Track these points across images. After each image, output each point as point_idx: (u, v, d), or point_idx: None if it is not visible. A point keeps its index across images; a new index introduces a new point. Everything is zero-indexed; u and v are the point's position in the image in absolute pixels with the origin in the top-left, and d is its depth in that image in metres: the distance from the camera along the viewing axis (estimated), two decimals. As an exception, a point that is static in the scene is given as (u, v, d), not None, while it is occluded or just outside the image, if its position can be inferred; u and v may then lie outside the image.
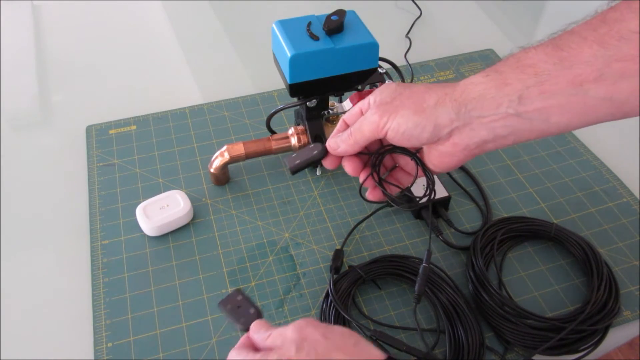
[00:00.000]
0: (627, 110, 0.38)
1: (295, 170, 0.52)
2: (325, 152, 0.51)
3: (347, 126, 0.50)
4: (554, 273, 0.64)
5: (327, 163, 0.52)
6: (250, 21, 1.05)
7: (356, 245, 0.67)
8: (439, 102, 0.44)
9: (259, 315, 0.47)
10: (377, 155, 0.50)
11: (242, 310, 0.48)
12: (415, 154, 0.50)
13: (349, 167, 0.51)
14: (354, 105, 0.69)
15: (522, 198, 0.72)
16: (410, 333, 0.59)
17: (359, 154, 0.51)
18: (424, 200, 0.51)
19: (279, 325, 0.58)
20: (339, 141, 0.49)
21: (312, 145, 0.52)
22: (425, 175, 0.50)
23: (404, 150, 0.50)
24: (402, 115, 0.44)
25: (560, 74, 0.39)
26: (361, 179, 0.51)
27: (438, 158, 0.47)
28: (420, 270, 0.57)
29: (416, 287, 0.57)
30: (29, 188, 0.73)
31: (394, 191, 0.52)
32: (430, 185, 0.50)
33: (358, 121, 0.48)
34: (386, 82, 0.50)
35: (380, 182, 0.50)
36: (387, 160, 0.53)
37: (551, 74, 0.39)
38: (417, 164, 0.50)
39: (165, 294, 0.61)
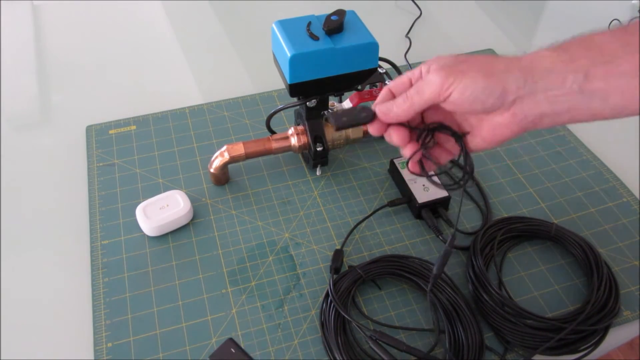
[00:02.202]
0: None
1: (340, 127, 0.49)
2: (373, 117, 0.49)
3: (392, 95, 0.48)
4: (554, 273, 0.64)
5: (373, 129, 0.49)
6: (250, 21, 1.05)
7: (356, 245, 0.67)
8: (507, 69, 0.43)
9: None
10: (428, 131, 0.49)
11: None
12: (462, 136, 0.48)
13: (396, 136, 0.48)
14: (354, 105, 0.69)
15: (522, 198, 0.72)
16: (410, 333, 0.59)
17: (404, 125, 0.49)
18: (458, 184, 0.49)
19: (281, 324, 0.59)
20: (390, 105, 0.47)
21: (359, 108, 0.49)
22: (466, 160, 0.49)
23: (451, 131, 0.49)
24: (471, 77, 0.43)
25: (626, 57, 0.40)
26: (406, 153, 0.49)
27: (491, 131, 0.46)
28: (442, 252, 0.54)
29: (435, 268, 0.54)
30: (29, 188, 0.73)
31: (432, 168, 0.50)
32: (469, 172, 0.49)
33: (415, 85, 0.46)
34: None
35: (422, 163, 0.49)
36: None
37: (617, 55, 0.40)
38: (461, 147, 0.49)
39: (165, 294, 0.61)
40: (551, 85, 0.42)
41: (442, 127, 0.49)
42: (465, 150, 0.49)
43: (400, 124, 0.49)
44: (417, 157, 0.49)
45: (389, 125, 0.49)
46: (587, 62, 0.41)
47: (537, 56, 0.43)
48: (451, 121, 0.50)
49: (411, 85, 0.47)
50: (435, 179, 0.50)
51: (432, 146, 0.50)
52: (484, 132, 0.47)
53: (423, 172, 0.50)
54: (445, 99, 0.44)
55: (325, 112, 0.69)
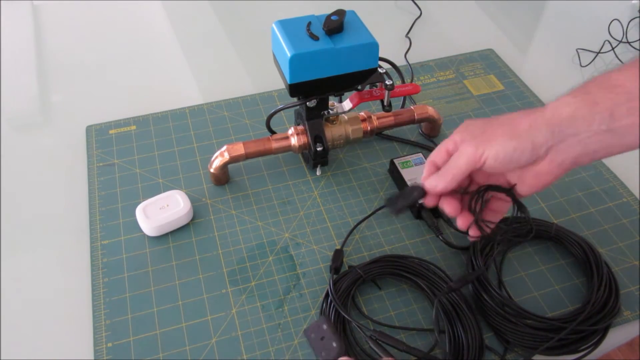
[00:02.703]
0: None
1: (397, 213, 0.54)
2: (424, 192, 0.53)
3: (436, 167, 0.53)
4: (554, 273, 0.64)
5: (428, 202, 0.54)
6: (250, 21, 1.05)
7: (356, 245, 0.67)
8: (532, 125, 0.45)
9: (341, 352, 0.47)
10: (477, 196, 0.52)
11: (325, 343, 0.48)
12: (510, 189, 0.52)
13: (448, 207, 0.53)
14: (353, 105, 0.69)
15: (523, 198, 0.72)
16: (410, 333, 0.59)
17: (455, 193, 0.53)
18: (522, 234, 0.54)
19: (281, 324, 0.59)
20: (436, 179, 0.51)
21: (409, 187, 0.54)
22: (520, 210, 0.53)
23: (499, 189, 0.52)
24: (499, 142, 0.46)
25: None
26: (462, 225, 0.53)
27: (534, 179, 0.49)
28: (473, 275, 0.57)
29: (454, 283, 0.57)
30: (29, 188, 0.73)
31: (489, 230, 0.53)
32: (528, 220, 0.54)
33: (452, 158, 0.50)
34: (465, 120, 0.52)
35: (477, 221, 0.52)
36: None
37: (638, 92, 0.41)
38: (513, 201, 0.52)
39: (165, 294, 0.61)
40: (579, 130, 0.44)
41: (489, 188, 0.52)
42: (516, 201, 0.52)
43: (452, 192, 0.52)
44: (473, 226, 0.52)
45: (441, 195, 0.53)
46: (610, 102, 0.42)
47: (560, 104, 0.45)
48: (498, 176, 0.52)
49: (448, 154, 0.51)
50: (497, 238, 0.55)
51: (483, 208, 0.53)
52: (529, 181, 0.50)
53: (484, 233, 0.53)
54: (482, 166, 0.48)
55: (325, 112, 0.69)
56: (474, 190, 0.53)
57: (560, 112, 0.44)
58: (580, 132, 0.44)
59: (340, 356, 0.47)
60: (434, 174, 0.52)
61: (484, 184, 0.54)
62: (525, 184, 0.50)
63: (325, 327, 0.49)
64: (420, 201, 0.54)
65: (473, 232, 0.52)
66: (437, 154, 0.52)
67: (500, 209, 0.54)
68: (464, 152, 0.49)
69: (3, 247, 0.67)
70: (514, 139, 0.46)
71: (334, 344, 0.47)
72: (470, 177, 0.54)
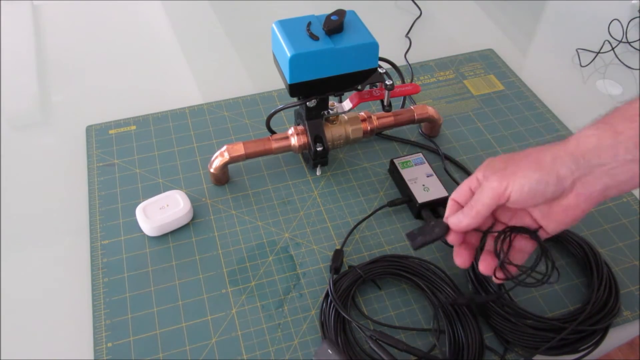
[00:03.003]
0: None
1: (417, 249, 0.54)
2: (447, 229, 0.52)
3: (458, 205, 0.52)
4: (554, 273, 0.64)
5: (451, 239, 0.53)
6: (250, 21, 1.05)
7: (356, 245, 0.67)
8: (555, 157, 0.45)
9: None
10: (502, 237, 0.51)
11: None
12: (535, 232, 0.50)
13: (459, 259, 0.52)
14: (353, 105, 0.69)
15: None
16: (410, 333, 0.58)
17: (478, 231, 0.52)
18: (546, 279, 0.52)
19: (281, 324, 0.59)
20: (460, 216, 0.50)
21: (433, 223, 0.53)
22: (545, 253, 0.52)
23: (523, 230, 0.51)
24: (523, 175, 0.45)
25: None
26: (484, 269, 0.51)
27: (562, 214, 0.48)
28: (484, 300, 0.57)
29: (461, 297, 0.57)
30: (29, 188, 0.73)
31: (514, 271, 0.52)
32: (551, 264, 0.51)
33: (476, 193, 0.49)
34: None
35: (502, 264, 0.51)
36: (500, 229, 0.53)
37: None
38: (538, 243, 0.51)
39: (165, 294, 0.61)
40: (605, 160, 0.43)
41: (514, 230, 0.51)
42: (540, 242, 0.51)
43: (475, 230, 0.52)
44: (497, 269, 0.51)
45: (465, 233, 0.52)
46: (632, 132, 0.42)
47: (582, 136, 0.44)
48: (523, 214, 0.51)
49: (471, 192, 0.51)
50: (523, 281, 0.52)
51: (509, 250, 0.52)
52: (557, 216, 0.48)
53: (509, 276, 0.51)
54: (507, 201, 0.47)
55: (325, 112, 0.69)
56: (499, 232, 0.51)
57: (584, 143, 0.44)
58: (606, 163, 0.43)
59: None
60: (458, 212, 0.51)
61: (508, 223, 0.52)
62: (553, 220, 0.49)
63: (330, 351, 0.49)
64: (443, 238, 0.53)
65: (500, 275, 0.51)
66: (460, 193, 0.52)
67: (525, 248, 0.52)
68: (487, 187, 0.48)
69: (3, 246, 0.67)
70: (537, 172, 0.45)
71: None
72: (493, 216, 0.52)
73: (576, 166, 0.44)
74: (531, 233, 0.51)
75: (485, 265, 0.51)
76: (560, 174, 0.45)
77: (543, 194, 0.46)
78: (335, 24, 0.62)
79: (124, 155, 0.77)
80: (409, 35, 1.00)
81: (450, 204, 0.53)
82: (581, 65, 0.94)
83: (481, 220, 0.50)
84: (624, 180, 0.44)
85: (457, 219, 0.51)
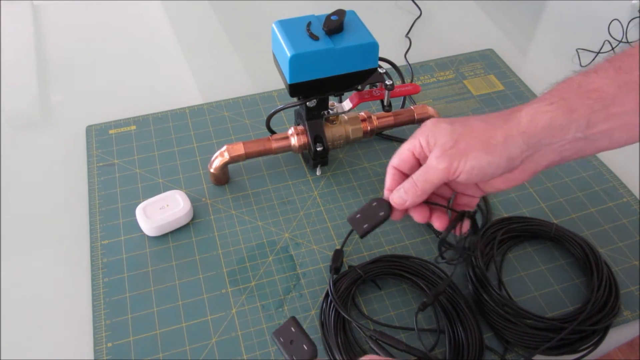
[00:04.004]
0: None
1: (364, 235, 0.52)
2: (391, 210, 0.51)
3: (400, 173, 0.50)
4: (554, 273, 0.64)
5: (395, 217, 0.51)
6: (250, 21, 1.05)
7: (356, 245, 0.67)
8: (507, 137, 0.44)
9: (314, 354, 0.45)
10: (455, 224, 0.50)
11: (296, 346, 0.45)
12: (474, 215, 0.50)
13: (418, 217, 0.51)
14: (353, 105, 0.69)
15: (522, 198, 0.72)
16: (410, 333, 0.58)
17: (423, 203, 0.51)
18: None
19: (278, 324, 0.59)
20: (404, 195, 0.49)
21: (374, 204, 0.51)
22: (475, 233, 0.51)
23: (467, 214, 0.50)
24: (474, 157, 0.44)
25: (625, 96, 0.40)
26: (439, 226, 0.51)
27: (502, 183, 0.48)
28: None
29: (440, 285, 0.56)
30: (29, 188, 0.73)
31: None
32: (473, 246, 0.51)
33: (422, 172, 0.47)
34: (431, 119, 0.49)
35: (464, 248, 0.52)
36: (445, 190, 0.53)
37: (616, 97, 0.41)
38: (472, 225, 0.51)
39: (165, 294, 0.61)
40: (555, 139, 0.43)
41: (464, 215, 0.50)
42: (475, 225, 0.51)
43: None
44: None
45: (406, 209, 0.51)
46: (587, 110, 0.41)
47: (536, 112, 0.43)
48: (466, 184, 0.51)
49: (414, 157, 0.48)
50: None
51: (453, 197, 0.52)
52: (497, 184, 0.49)
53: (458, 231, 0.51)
54: (455, 180, 0.46)
55: (325, 112, 0.69)
56: (452, 221, 0.51)
57: (537, 120, 0.43)
58: (556, 142, 0.43)
59: (314, 358, 0.45)
60: (400, 188, 0.49)
61: (449, 191, 0.52)
62: (491, 187, 0.49)
63: (293, 329, 0.47)
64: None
65: (439, 223, 0.51)
66: (402, 159, 0.49)
67: (469, 203, 0.52)
68: (437, 168, 0.46)
69: (3, 247, 0.67)
70: (489, 154, 0.44)
71: (305, 347, 0.46)
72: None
73: (527, 147, 0.44)
74: (470, 217, 0.51)
75: (441, 224, 0.51)
76: (511, 155, 0.44)
77: (492, 174, 0.45)
78: (335, 24, 0.62)
79: (124, 155, 0.77)
80: (409, 35, 1.00)
81: (391, 172, 0.50)
82: (581, 65, 0.94)
83: (426, 197, 0.49)
84: (568, 155, 0.44)
85: (400, 199, 0.49)
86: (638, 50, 0.41)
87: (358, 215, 0.52)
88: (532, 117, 0.43)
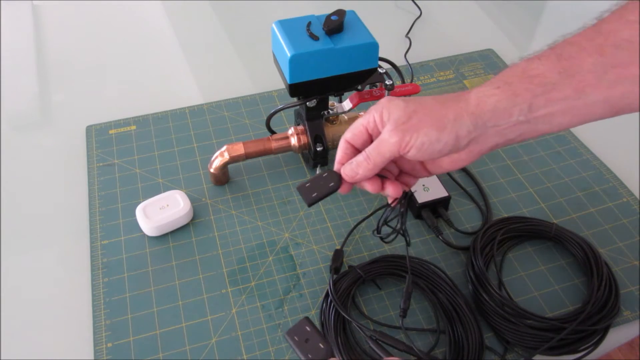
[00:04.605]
0: (619, 109, 0.43)
1: (312, 204, 0.52)
2: (341, 182, 0.51)
3: (352, 147, 0.51)
4: (554, 273, 0.64)
5: (344, 190, 0.52)
6: (250, 21, 1.05)
7: (356, 245, 0.67)
8: (457, 117, 0.46)
9: (329, 353, 0.45)
10: (403, 203, 0.52)
11: (311, 345, 0.45)
12: (412, 194, 0.53)
13: (370, 187, 0.52)
14: (353, 105, 0.69)
15: (522, 198, 0.72)
16: (410, 333, 0.58)
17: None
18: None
19: (282, 323, 0.59)
20: (355, 168, 0.50)
21: (325, 175, 0.52)
22: (402, 219, 0.53)
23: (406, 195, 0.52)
24: (425, 133, 0.46)
25: (565, 82, 0.42)
26: (394, 193, 0.52)
27: (449, 164, 0.50)
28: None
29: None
30: (29, 188, 0.73)
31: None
32: (400, 230, 0.53)
33: (374, 145, 0.48)
34: (385, 96, 0.50)
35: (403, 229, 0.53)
36: (392, 167, 0.54)
37: (557, 83, 0.43)
38: (404, 207, 0.53)
39: (165, 294, 0.61)
40: (500, 121, 0.45)
41: (407, 195, 0.53)
42: (404, 212, 0.53)
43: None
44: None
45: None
46: (529, 94, 0.43)
47: (483, 95, 0.45)
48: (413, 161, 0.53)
49: (367, 133, 0.50)
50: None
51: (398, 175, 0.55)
52: (444, 164, 0.51)
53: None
54: (405, 154, 0.48)
55: (325, 112, 0.69)
56: (397, 199, 0.52)
57: (484, 103, 0.45)
58: (500, 124, 0.45)
59: (329, 357, 0.45)
60: (353, 161, 0.50)
61: (396, 169, 0.54)
62: (438, 167, 0.51)
63: (308, 328, 0.47)
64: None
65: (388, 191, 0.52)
66: (355, 134, 0.50)
67: (408, 183, 0.54)
68: (389, 141, 0.47)
69: (3, 247, 0.67)
70: (439, 131, 0.46)
71: (321, 345, 0.46)
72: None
73: (474, 127, 0.45)
74: (407, 197, 0.53)
75: (395, 191, 0.52)
76: (459, 134, 0.46)
77: (440, 152, 0.47)
78: (335, 24, 0.62)
79: (124, 155, 0.77)
80: (409, 35, 1.00)
81: (343, 146, 0.51)
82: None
83: (377, 171, 0.50)
84: (512, 138, 0.46)
85: (352, 172, 0.50)
86: (578, 39, 0.43)
87: (308, 184, 0.52)
88: (479, 99, 0.45)
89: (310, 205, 0.52)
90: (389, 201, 0.53)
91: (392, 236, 0.54)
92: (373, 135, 0.50)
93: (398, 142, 0.46)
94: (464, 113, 0.45)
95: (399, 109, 0.47)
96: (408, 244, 0.55)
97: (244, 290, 0.62)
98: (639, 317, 0.60)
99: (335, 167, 0.52)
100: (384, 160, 0.48)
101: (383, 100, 0.49)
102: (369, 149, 0.49)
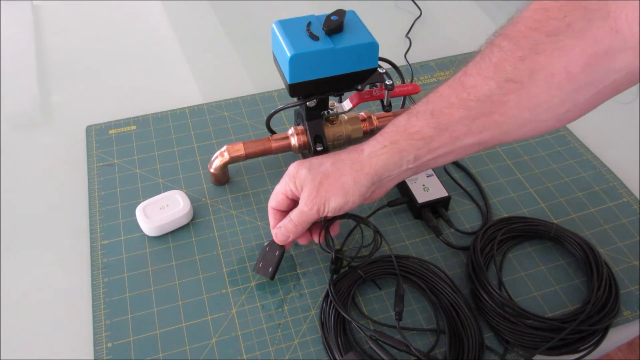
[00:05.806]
0: (489, 146, 0.53)
1: (274, 276, 0.61)
2: (284, 246, 0.61)
3: (279, 212, 0.60)
4: (554, 273, 0.64)
5: (288, 246, 0.62)
6: (250, 21, 1.05)
7: (356, 245, 0.67)
8: (355, 180, 0.55)
9: None
10: (325, 223, 0.61)
11: None
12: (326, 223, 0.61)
13: (302, 241, 0.62)
14: (353, 105, 0.69)
15: (522, 198, 0.72)
16: (410, 333, 0.58)
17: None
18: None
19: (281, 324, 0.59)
20: (286, 233, 0.59)
21: (267, 248, 0.61)
22: (327, 248, 0.61)
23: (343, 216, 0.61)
24: (334, 200, 0.55)
25: (441, 134, 0.51)
26: (318, 240, 0.62)
27: (363, 203, 0.59)
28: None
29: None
30: (29, 188, 0.73)
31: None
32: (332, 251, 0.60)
33: (297, 214, 0.57)
34: (291, 165, 0.59)
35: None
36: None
37: (434, 136, 0.52)
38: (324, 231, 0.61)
39: (165, 294, 0.61)
40: (392, 172, 0.54)
41: (328, 221, 0.61)
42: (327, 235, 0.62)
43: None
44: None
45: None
46: (413, 149, 0.53)
47: (374, 156, 0.54)
48: None
49: (288, 198, 0.59)
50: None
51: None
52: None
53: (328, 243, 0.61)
54: (324, 215, 0.58)
55: (325, 112, 0.69)
56: (324, 230, 0.61)
57: (376, 163, 0.54)
58: (392, 176, 0.55)
59: None
60: (281, 226, 0.59)
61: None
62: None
63: None
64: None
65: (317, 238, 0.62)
66: (278, 201, 0.60)
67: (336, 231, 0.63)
68: (309, 212, 0.56)
69: (3, 247, 0.67)
70: (345, 196, 0.55)
71: None
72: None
73: (371, 183, 0.55)
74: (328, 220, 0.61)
75: (306, 239, 0.63)
76: (362, 192, 0.55)
77: (351, 208, 0.57)
78: (335, 24, 0.62)
79: (124, 155, 0.77)
80: (409, 35, 1.00)
81: (272, 213, 0.61)
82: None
83: (304, 232, 0.60)
84: (406, 177, 0.56)
85: (283, 236, 0.59)
86: (446, 92, 0.51)
87: (260, 264, 0.61)
88: (370, 159, 0.54)
89: (272, 278, 0.61)
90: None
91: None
92: (294, 198, 0.58)
93: (316, 211, 0.56)
94: (360, 176, 0.54)
95: (307, 182, 0.56)
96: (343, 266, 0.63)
97: (244, 290, 0.62)
98: (639, 317, 0.60)
99: (272, 231, 0.60)
100: (308, 224, 0.58)
101: (291, 171, 0.58)
102: (294, 217, 0.58)
